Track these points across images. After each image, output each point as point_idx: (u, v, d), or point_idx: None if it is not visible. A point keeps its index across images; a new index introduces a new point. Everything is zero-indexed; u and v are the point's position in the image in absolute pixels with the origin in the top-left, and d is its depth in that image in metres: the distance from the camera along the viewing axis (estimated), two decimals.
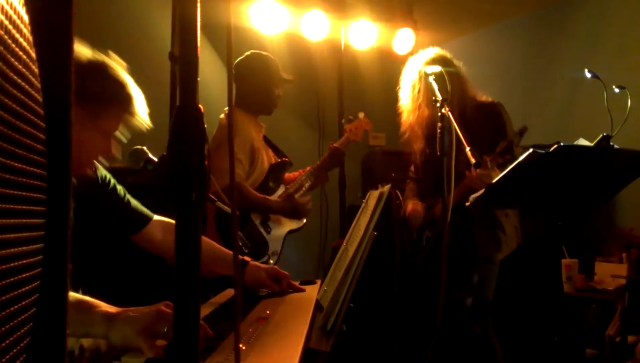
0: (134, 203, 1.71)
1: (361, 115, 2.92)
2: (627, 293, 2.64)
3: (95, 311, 1.16)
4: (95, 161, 1.44)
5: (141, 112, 1.46)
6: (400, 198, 2.72)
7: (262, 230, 2.66)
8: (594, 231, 3.78)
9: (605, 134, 2.06)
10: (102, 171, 1.65)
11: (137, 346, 1.08)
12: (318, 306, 1.41)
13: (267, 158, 2.74)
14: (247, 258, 1.80)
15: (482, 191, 2.00)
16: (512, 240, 2.44)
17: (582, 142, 2.13)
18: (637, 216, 3.65)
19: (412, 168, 2.75)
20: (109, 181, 1.67)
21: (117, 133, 1.45)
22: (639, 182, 1.97)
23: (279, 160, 2.82)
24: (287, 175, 2.90)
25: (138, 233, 1.69)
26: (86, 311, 1.16)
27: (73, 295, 1.20)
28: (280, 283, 1.73)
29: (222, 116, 2.74)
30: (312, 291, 1.64)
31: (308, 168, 2.90)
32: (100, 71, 1.38)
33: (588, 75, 2.51)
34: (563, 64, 4.53)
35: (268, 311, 1.37)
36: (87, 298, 1.21)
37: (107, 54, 1.40)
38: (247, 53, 2.77)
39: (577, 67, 3.43)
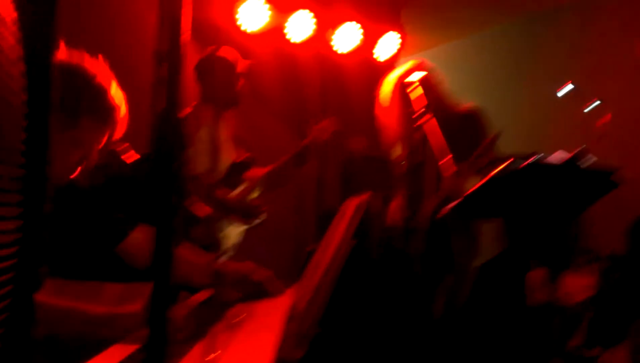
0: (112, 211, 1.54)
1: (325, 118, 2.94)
2: (593, 306, 2.70)
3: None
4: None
5: (121, 121, 1.38)
6: (379, 204, 2.73)
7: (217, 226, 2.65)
8: (563, 243, 3.85)
9: (583, 146, 2.10)
10: None
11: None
12: (292, 311, 1.41)
13: (232, 154, 2.75)
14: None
15: (458, 200, 2.03)
16: (490, 247, 2.47)
17: (562, 154, 2.17)
18: (606, 230, 3.74)
19: (396, 176, 2.76)
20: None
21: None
22: (609, 196, 2.02)
23: (244, 157, 2.82)
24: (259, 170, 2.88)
25: (121, 244, 1.46)
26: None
27: None
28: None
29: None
30: (285, 297, 1.63)
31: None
32: (77, 76, 1.27)
33: (570, 86, 2.54)
34: (543, 75, 4.61)
35: (240, 317, 1.36)
36: None
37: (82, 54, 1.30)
38: (208, 50, 2.77)
39: (557, 78, 3.48)
